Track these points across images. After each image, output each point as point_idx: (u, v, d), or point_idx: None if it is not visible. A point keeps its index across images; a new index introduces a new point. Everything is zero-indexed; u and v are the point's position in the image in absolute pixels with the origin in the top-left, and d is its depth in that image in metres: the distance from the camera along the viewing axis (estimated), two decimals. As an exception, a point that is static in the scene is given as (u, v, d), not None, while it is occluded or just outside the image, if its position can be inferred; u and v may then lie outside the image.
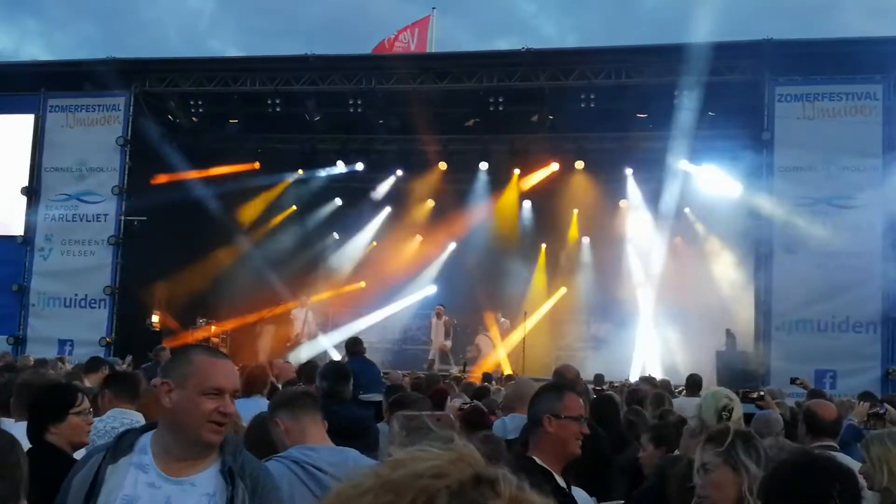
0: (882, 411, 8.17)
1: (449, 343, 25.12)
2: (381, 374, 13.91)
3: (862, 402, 9.12)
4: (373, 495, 1.44)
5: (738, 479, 4.16)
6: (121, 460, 3.35)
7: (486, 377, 18.06)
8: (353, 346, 13.38)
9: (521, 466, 4.75)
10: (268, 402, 8.78)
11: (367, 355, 13.77)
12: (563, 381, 7.85)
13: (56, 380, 7.78)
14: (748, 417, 7.10)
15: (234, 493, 3.27)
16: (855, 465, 4.95)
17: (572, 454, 4.85)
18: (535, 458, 4.79)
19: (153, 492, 3.24)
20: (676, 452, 6.28)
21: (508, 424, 7.14)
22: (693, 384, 13.29)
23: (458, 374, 20.14)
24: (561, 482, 4.75)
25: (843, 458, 5.06)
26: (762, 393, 8.65)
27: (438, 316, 25.03)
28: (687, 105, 20.20)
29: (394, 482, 1.44)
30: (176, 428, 3.42)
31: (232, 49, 73.32)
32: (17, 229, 22.19)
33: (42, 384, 6.10)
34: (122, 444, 3.43)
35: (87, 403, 5.30)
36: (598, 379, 16.75)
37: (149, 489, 3.26)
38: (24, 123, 22.51)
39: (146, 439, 3.43)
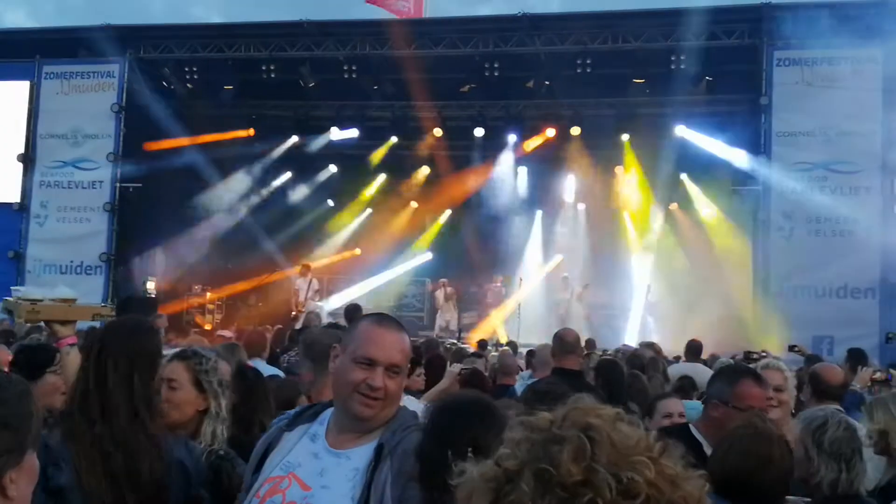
0: (889, 377, 8.12)
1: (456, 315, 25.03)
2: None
3: (863, 369, 9.12)
4: None
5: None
6: (297, 428, 3.42)
7: (482, 344, 18.01)
8: (352, 312, 13.32)
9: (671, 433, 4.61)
10: (267, 365, 8.81)
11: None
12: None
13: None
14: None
15: (376, 469, 3.15)
16: (861, 430, 4.94)
17: None
18: (692, 427, 4.79)
19: (312, 461, 3.29)
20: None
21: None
22: (693, 349, 13.15)
23: (454, 342, 20.03)
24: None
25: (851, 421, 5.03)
26: (764, 352, 8.64)
27: (443, 287, 24.91)
28: (684, 70, 20.13)
29: None
30: (335, 396, 3.45)
31: (215, 16, 72.55)
32: (14, 196, 22.26)
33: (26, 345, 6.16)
34: (306, 413, 3.52)
35: None
36: (590, 344, 16.41)
37: (310, 458, 3.29)
38: (19, 90, 22.53)
39: (330, 411, 3.46)
